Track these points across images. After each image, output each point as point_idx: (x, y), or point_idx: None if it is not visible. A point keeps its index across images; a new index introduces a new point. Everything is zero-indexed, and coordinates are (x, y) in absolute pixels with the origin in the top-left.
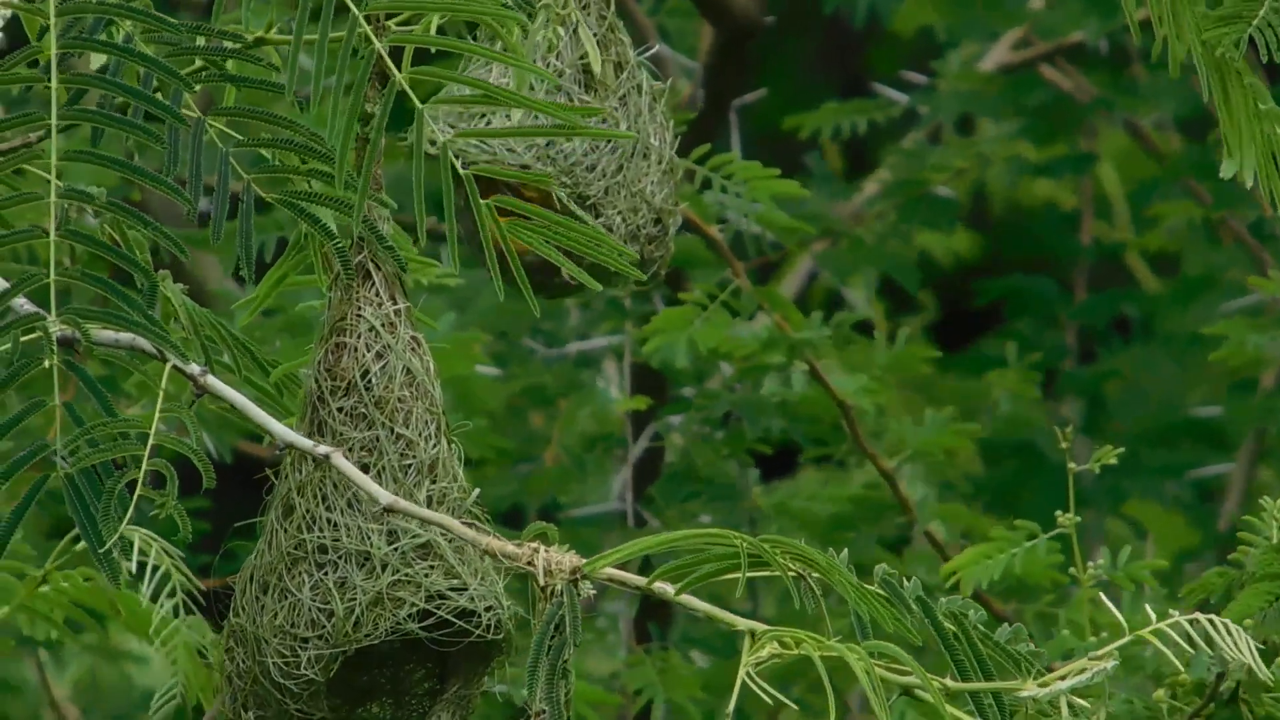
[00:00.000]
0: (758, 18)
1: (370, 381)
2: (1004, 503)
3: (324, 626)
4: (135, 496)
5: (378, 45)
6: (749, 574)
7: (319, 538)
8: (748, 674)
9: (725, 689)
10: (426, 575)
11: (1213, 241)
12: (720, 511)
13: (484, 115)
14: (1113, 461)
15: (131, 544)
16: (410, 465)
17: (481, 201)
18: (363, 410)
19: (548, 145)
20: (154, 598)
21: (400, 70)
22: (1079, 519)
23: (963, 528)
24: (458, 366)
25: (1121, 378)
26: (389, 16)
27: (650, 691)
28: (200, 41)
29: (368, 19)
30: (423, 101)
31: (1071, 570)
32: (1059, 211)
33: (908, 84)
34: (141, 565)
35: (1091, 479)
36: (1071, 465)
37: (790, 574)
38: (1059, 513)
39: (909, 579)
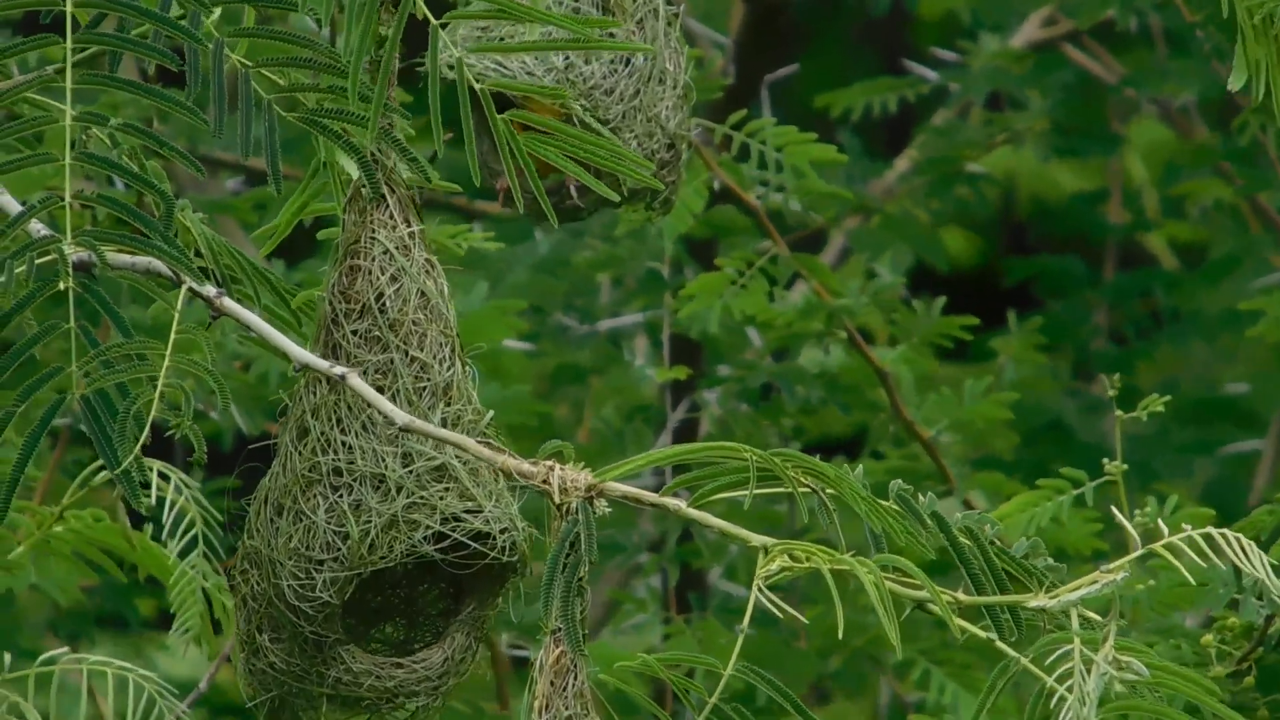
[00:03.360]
0: None
1: (385, 304)
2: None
3: (339, 549)
4: (150, 417)
5: None
6: (759, 490)
7: (334, 460)
8: (758, 586)
9: (766, 659)
10: (441, 498)
11: (1240, 225)
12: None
13: (501, 37)
14: (1160, 409)
15: (151, 471)
16: (425, 388)
17: (499, 116)
18: (377, 333)
19: (566, 69)
20: (173, 531)
21: None
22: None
23: (1003, 496)
24: (493, 334)
25: (1151, 358)
26: None
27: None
28: None
29: None
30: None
31: (1116, 515)
32: (1086, 195)
33: (941, 61)
34: (161, 500)
35: (1124, 454)
36: (1119, 413)
37: (802, 489)
38: (1106, 461)
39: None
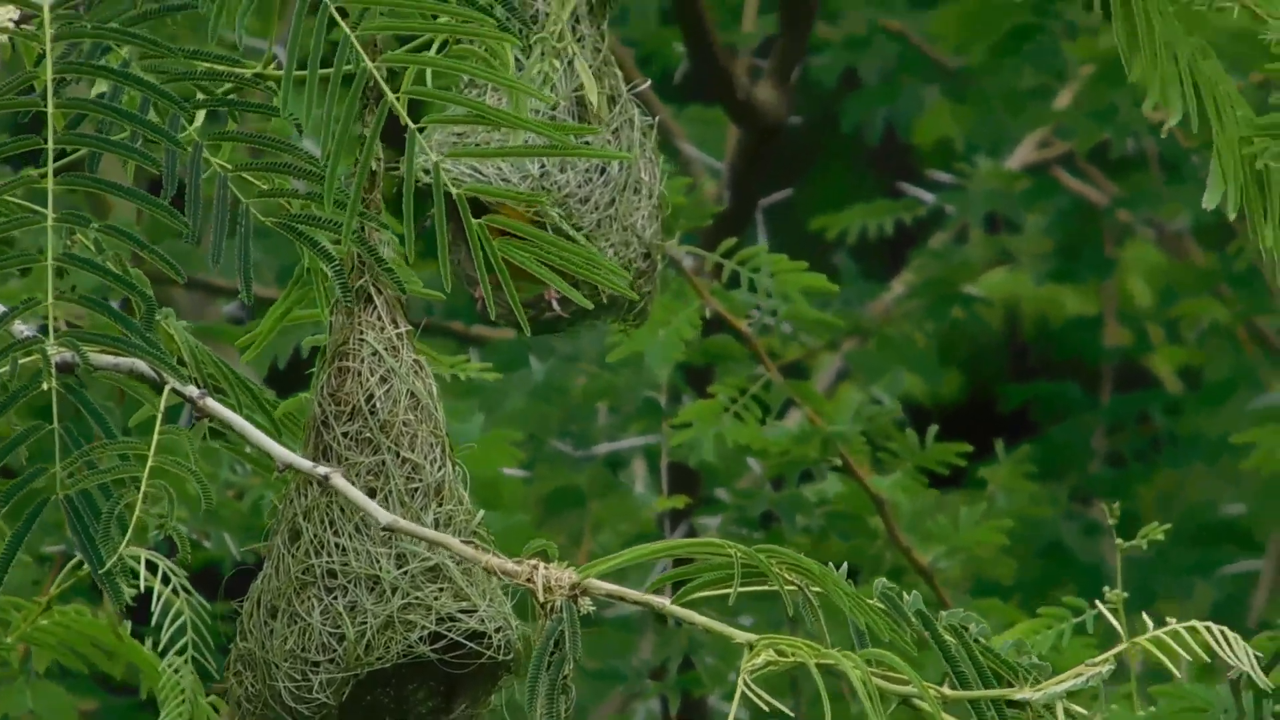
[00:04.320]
0: (783, 118)
1: (375, 405)
2: (1036, 603)
3: (335, 650)
4: (134, 517)
5: (369, 66)
6: (744, 587)
7: (328, 562)
8: (745, 682)
9: None
10: (436, 598)
11: (1236, 347)
12: (758, 609)
13: (478, 144)
14: (1160, 538)
15: (135, 565)
16: (416, 488)
17: (475, 221)
18: (368, 434)
19: (542, 176)
20: (160, 623)
21: (398, 90)
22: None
23: (1003, 623)
24: (491, 463)
25: (1150, 481)
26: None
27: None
28: (203, 67)
29: (362, 40)
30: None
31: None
32: (1084, 320)
33: (938, 183)
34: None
35: (1122, 577)
36: (1119, 541)
37: (788, 585)
38: (1107, 589)
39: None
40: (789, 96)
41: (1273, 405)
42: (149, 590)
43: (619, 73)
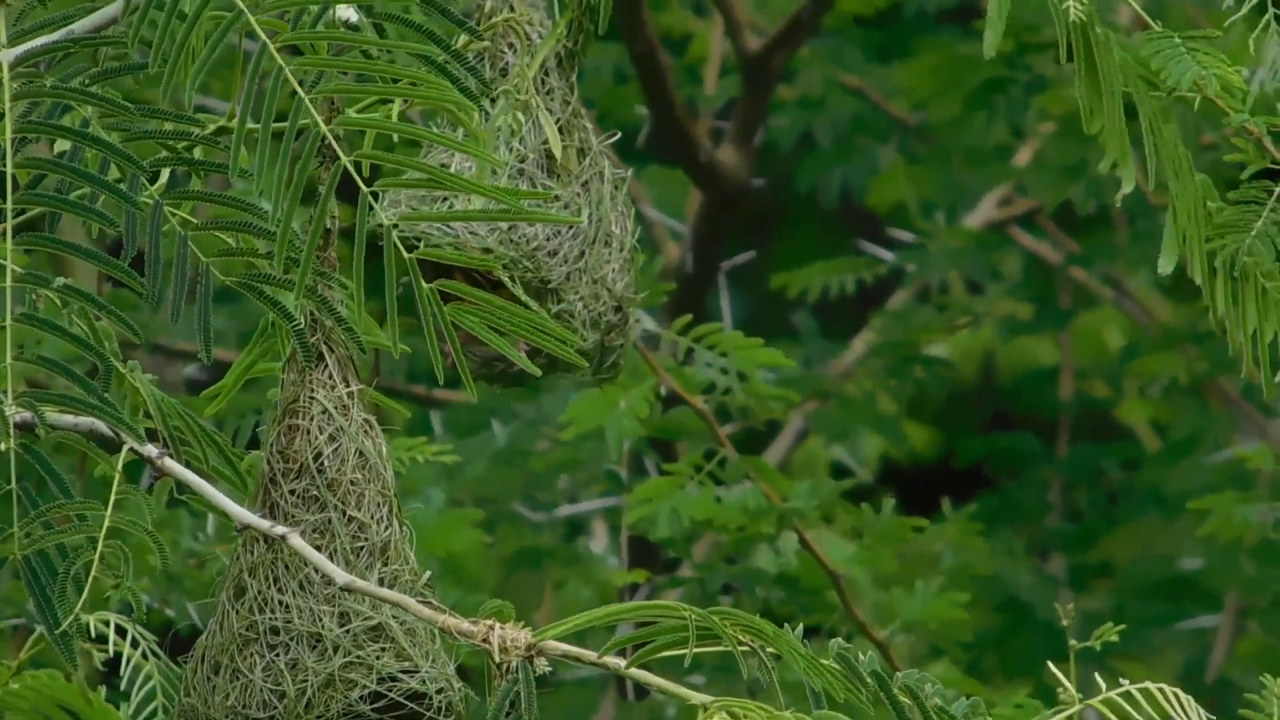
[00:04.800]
0: (746, 181)
1: (323, 464)
2: (993, 653)
3: (275, 707)
4: (90, 579)
5: (323, 129)
6: (699, 648)
7: (271, 619)
8: None
9: None
10: (378, 657)
11: (1201, 403)
12: (718, 682)
13: (446, 198)
14: (1114, 639)
15: (105, 630)
16: (362, 547)
17: (425, 285)
18: (315, 492)
19: (510, 229)
20: (129, 685)
21: (354, 153)
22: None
23: (956, 693)
24: (450, 543)
25: (1108, 535)
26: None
27: None
28: (166, 126)
29: (319, 101)
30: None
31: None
32: (1041, 370)
33: (899, 242)
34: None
35: (1077, 632)
36: (1073, 643)
37: (741, 646)
38: (1060, 690)
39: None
40: (751, 159)
41: (1228, 462)
42: (119, 654)
43: (589, 125)
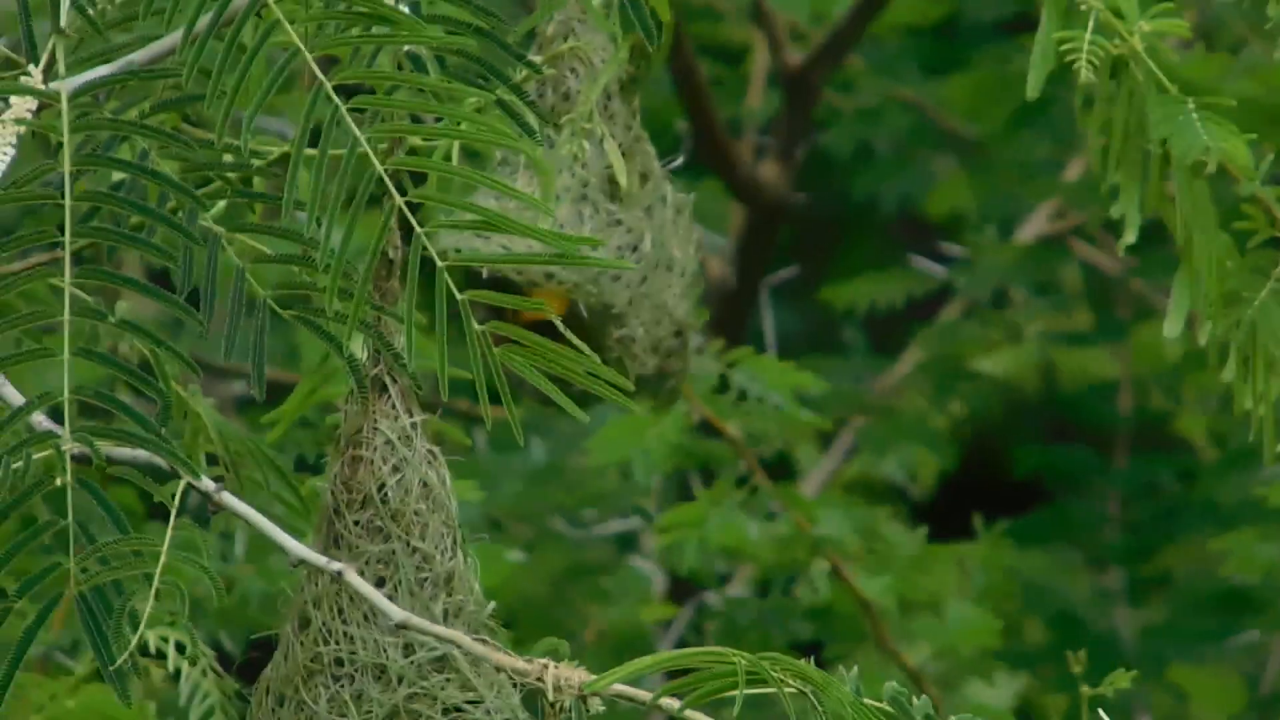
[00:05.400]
0: (788, 197)
1: (386, 495)
2: (1047, 672)
3: None
4: (146, 614)
5: (378, 168)
6: (749, 690)
7: (335, 650)
8: None
9: None
10: (442, 689)
11: None
12: (755, 711)
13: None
14: (1126, 685)
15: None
16: (426, 578)
17: (475, 327)
18: (379, 524)
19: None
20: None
21: (411, 192)
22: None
23: None
24: (487, 578)
25: (1164, 548)
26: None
27: None
28: (226, 157)
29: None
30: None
31: None
32: (1099, 383)
33: (948, 257)
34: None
35: (1133, 644)
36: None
37: (789, 691)
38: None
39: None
40: (793, 175)
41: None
42: (177, 671)
43: (651, 149)
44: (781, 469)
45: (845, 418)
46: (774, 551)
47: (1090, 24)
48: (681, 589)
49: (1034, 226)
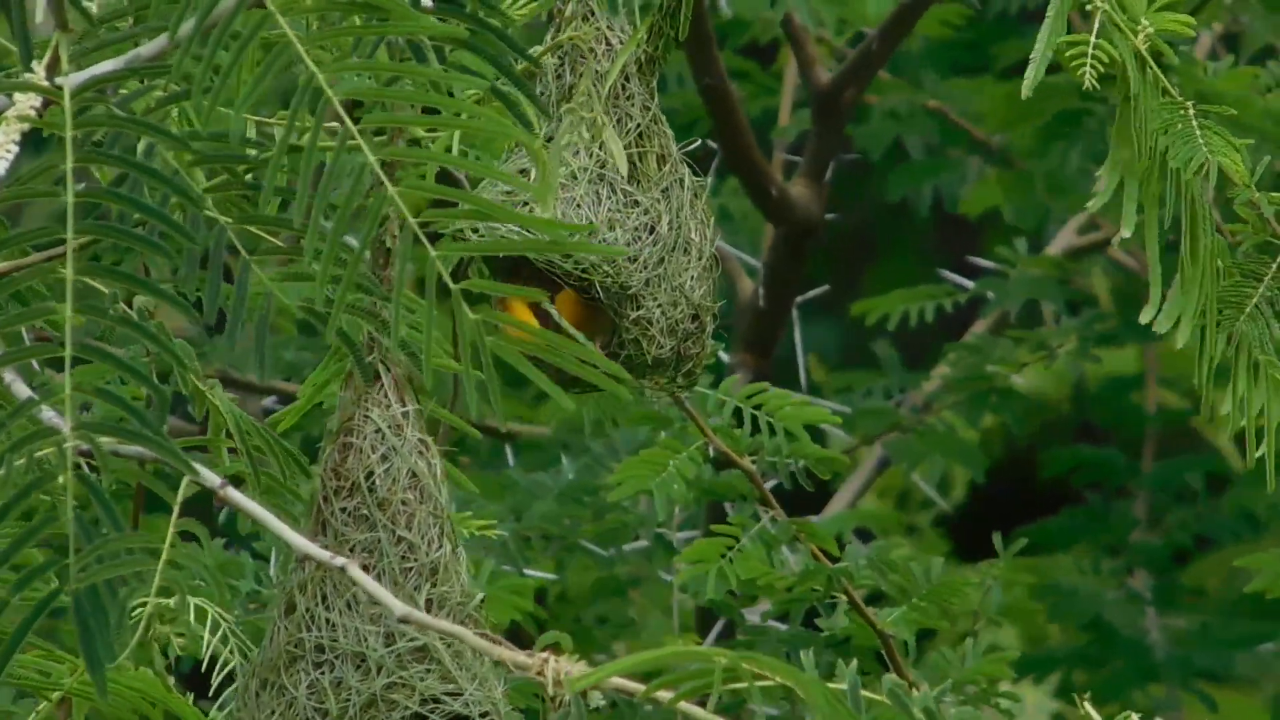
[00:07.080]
0: (818, 215)
1: (374, 483)
2: (1081, 678)
3: None
4: (146, 614)
5: (370, 159)
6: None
7: (317, 636)
8: None
9: None
10: (422, 679)
11: None
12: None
13: (525, 203)
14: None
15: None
16: (411, 568)
17: (470, 316)
18: (365, 511)
19: (590, 235)
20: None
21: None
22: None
23: None
24: (501, 614)
25: (1194, 552)
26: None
27: None
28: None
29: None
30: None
31: None
32: (1127, 378)
33: (980, 269)
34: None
35: (1164, 652)
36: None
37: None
38: None
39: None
40: (823, 194)
41: None
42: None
43: (669, 131)
44: (805, 495)
45: (846, 466)
46: (792, 583)
47: (1095, 26)
48: (708, 613)
49: (1063, 240)
